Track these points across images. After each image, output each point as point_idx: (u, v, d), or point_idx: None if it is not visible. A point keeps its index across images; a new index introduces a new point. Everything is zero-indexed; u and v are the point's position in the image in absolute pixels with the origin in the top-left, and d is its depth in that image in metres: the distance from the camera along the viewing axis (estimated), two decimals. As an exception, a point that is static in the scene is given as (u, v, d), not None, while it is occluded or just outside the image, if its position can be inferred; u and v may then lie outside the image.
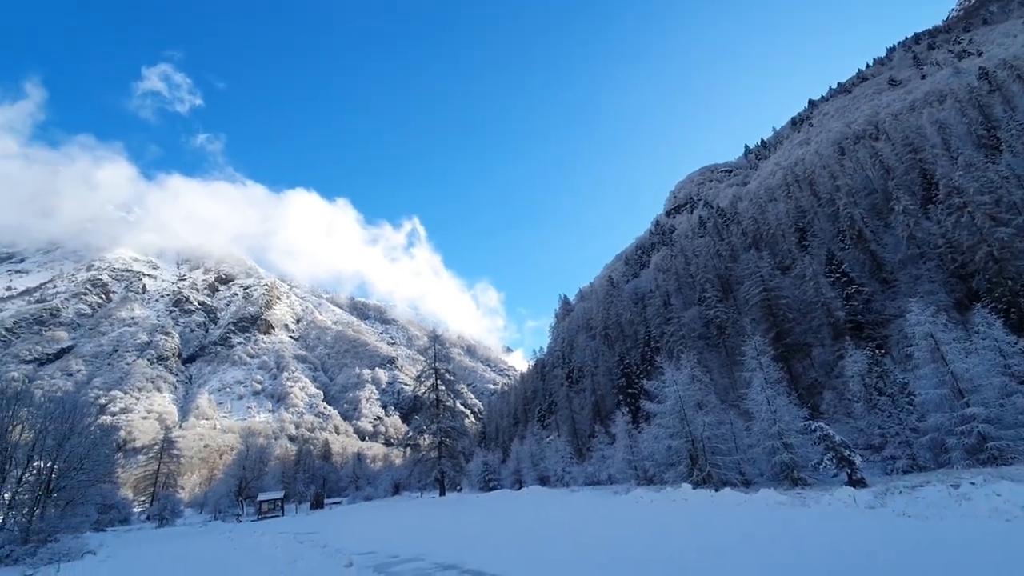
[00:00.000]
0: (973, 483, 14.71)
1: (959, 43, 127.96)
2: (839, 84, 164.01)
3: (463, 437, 59.71)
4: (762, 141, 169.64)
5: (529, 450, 53.87)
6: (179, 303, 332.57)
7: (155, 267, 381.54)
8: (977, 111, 58.22)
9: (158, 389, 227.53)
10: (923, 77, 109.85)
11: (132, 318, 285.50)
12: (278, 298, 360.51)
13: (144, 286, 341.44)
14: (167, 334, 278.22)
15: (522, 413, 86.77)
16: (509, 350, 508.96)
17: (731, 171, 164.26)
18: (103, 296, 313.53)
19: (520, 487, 49.05)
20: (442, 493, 52.73)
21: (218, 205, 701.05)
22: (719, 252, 66.29)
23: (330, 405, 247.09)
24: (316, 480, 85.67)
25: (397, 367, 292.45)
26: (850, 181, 56.57)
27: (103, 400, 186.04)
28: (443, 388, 56.71)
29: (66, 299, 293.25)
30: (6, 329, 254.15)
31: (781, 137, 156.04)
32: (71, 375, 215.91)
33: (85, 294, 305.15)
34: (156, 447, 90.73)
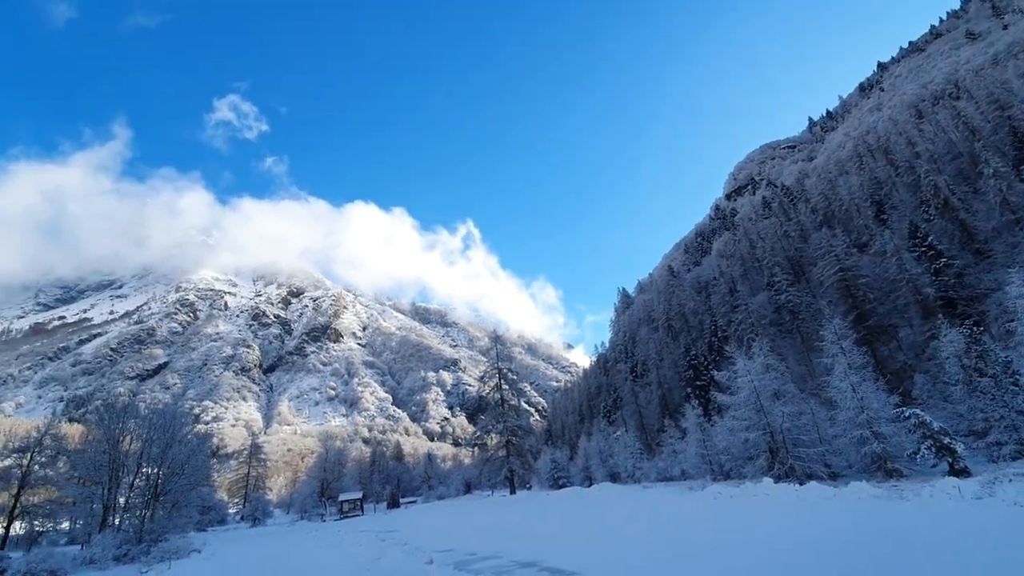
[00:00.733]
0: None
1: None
2: (910, 43, 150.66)
3: (529, 435, 60.00)
4: (828, 112, 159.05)
5: (597, 447, 53.30)
6: (257, 317, 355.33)
7: (234, 285, 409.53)
8: (1081, 54, 51.76)
9: (244, 398, 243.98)
10: (1005, 27, 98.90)
11: (217, 333, 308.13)
12: (345, 307, 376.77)
13: (226, 303, 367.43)
14: (248, 347, 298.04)
15: (587, 409, 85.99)
16: (570, 347, 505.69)
17: (794, 147, 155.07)
18: (191, 314, 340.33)
19: (590, 484, 48.62)
20: (512, 491, 53.19)
21: (286, 223, 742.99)
22: (787, 233, 62.76)
23: (399, 408, 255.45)
24: (391, 480, 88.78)
25: (460, 369, 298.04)
26: (931, 146, 51.89)
27: (197, 410, 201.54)
28: (506, 387, 57.22)
29: (160, 319, 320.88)
30: (111, 349, 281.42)
31: (849, 105, 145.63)
32: (168, 388, 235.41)
33: (175, 313, 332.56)
34: (245, 452, 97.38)
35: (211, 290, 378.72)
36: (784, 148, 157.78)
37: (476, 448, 68.38)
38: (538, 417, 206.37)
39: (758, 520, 15.48)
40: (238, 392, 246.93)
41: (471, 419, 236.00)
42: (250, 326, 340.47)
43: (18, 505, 36.26)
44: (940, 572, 7.70)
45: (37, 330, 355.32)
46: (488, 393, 58.78)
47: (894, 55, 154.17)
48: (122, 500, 36.98)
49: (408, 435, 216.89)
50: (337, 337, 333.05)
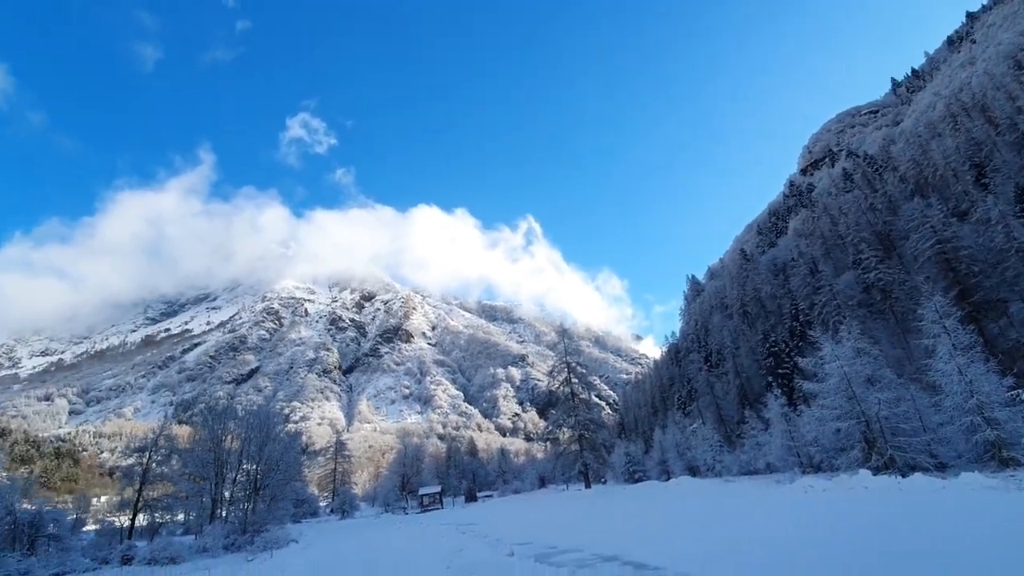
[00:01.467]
0: None
1: None
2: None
3: (602, 429, 59.43)
4: (913, 71, 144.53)
5: (673, 439, 51.90)
6: (334, 322, 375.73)
7: (312, 292, 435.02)
8: None
9: (327, 398, 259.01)
10: None
11: (300, 338, 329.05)
12: (414, 309, 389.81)
13: (306, 310, 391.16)
14: (328, 350, 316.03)
15: (660, 402, 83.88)
16: (639, 338, 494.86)
17: (876, 112, 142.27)
18: (276, 322, 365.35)
19: (667, 478, 47.44)
20: (587, 485, 52.94)
21: (355, 230, 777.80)
22: (872, 206, 57.85)
23: (470, 405, 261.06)
24: (466, 475, 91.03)
25: (528, 364, 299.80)
26: (1041, 97, 45.95)
27: (286, 411, 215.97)
28: (576, 381, 56.94)
29: (250, 327, 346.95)
30: (210, 356, 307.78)
31: (936, 62, 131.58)
32: (260, 391, 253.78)
33: (263, 321, 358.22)
34: (330, 449, 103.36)
35: (292, 298, 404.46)
36: (865, 114, 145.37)
37: (548, 443, 68.58)
38: (609, 411, 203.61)
39: (855, 513, 14.47)
40: (321, 393, 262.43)
41: (542, 414, 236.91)
42: (328, 330, 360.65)
43: (141, 499, 40.61)
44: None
45: (148, 342, 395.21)
46: (557, 388, 58.78)
47: (984, 3, 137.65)
48: (227, 494, 40.44)
49: (481, 431, 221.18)
50: (408, 338, 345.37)
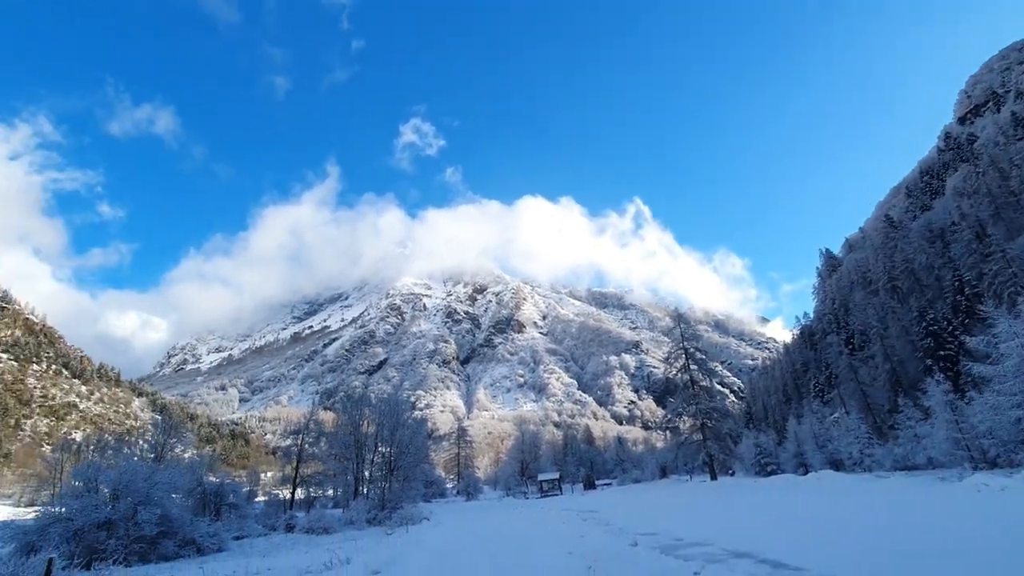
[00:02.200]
0: None
1: None
2: None
3: (727, 418, 56.03)
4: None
5: (811, 430, 47.38)
6: (450, 315, 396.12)
7: (429, 288, 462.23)
8: None
9: (447, 387, 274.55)
10: None
11: (420, 332, 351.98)
12: (524, 299, 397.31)
13: (424, 305, 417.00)
14: (446, 342, 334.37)
15: (793, 389, 76.97)
16: (765, 320, 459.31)
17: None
18: (399, 317, 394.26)
19: (805, 472, 43.46)
20: (713, 477, 50.37)
21: (465, 226, 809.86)
22: (1063, 151, 47.48)
23: (584, 393, 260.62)
24: (584, 462, 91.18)
25: (642, 351, 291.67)
26: None
27: (412, 399, 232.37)
28: (695, 368, 54.20)
29: (377, 322, 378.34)
30: (346, 350, 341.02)
31: None
32: (389, 380, 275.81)
33: (387, 317, 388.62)
34: (453, 435, 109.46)
35: (412, 294, 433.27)
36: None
37: (668, 432, 66.17)
38: (734, 398, 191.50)
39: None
40: (442, 382, 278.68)
41: (659, 402, 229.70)
42: (445, 323, 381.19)
43: (298, 475, 46.39)
44: None
45: (295, 338, 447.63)
46: (675, 375, 56.41)
47: None
48: (367, 473, 44.65)
49: (596, 419, 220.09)
50: (520, 328, 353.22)
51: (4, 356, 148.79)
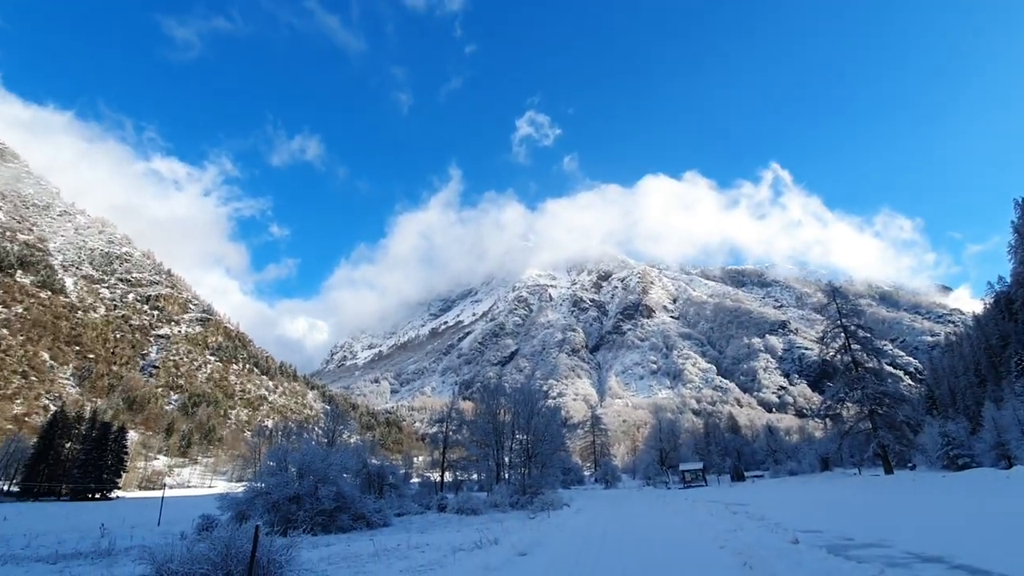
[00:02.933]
0: None
1: None
2: None
3: (902, 404, 48.59)
4: None
5: (1014, 416, 39.37)
6: (576, 303, 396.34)
7: (553, 278, 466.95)
8: None
9: (578, 376, 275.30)
10: None
11: (548, 322, 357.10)
12: (651, 283, 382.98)
13: (550, 295, 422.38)
14: (574, 330, 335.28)
15: (988, 368, 64.38)
16: (946, 289, 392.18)
17: None
18: (526, 308, 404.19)
19: (1008, 465, 36.15)
20: (888, 471, 44.08)
21: (585, 214, 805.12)
22: None
23: (725, 378, 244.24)
24: (729, 453, 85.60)
25: (791, 331, 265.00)
26: None
27: (544, 388, 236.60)
28: (857, 348, 47.73)
29: (505, 315, 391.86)
30: (479, 343, 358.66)
31: None
32: (521, 371, 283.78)
33: (515, 309, 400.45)
34: (587, 423, 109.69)
35: (537, 285, 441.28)
36: None
37: (828, 420, 59.28)
38: (910, 381, 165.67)
39: None
40: (572, 371, 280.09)
41: (814, 387, 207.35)
42: (572, 312, 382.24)
43: (444, 460, 50.00)
44: None
45: (433, 334, 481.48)
46: (832, 356, 50.19)
47: None
48: (507, 459, 46.67)
49: (740, 406, 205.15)
50: (649, 313, 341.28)
51: (212, 359, 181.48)
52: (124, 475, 79.96)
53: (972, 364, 69.15)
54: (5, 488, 69.19)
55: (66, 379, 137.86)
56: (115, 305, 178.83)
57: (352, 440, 55.33)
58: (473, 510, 32.54)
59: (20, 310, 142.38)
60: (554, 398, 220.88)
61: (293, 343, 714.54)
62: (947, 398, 72.55)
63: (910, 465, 50.82)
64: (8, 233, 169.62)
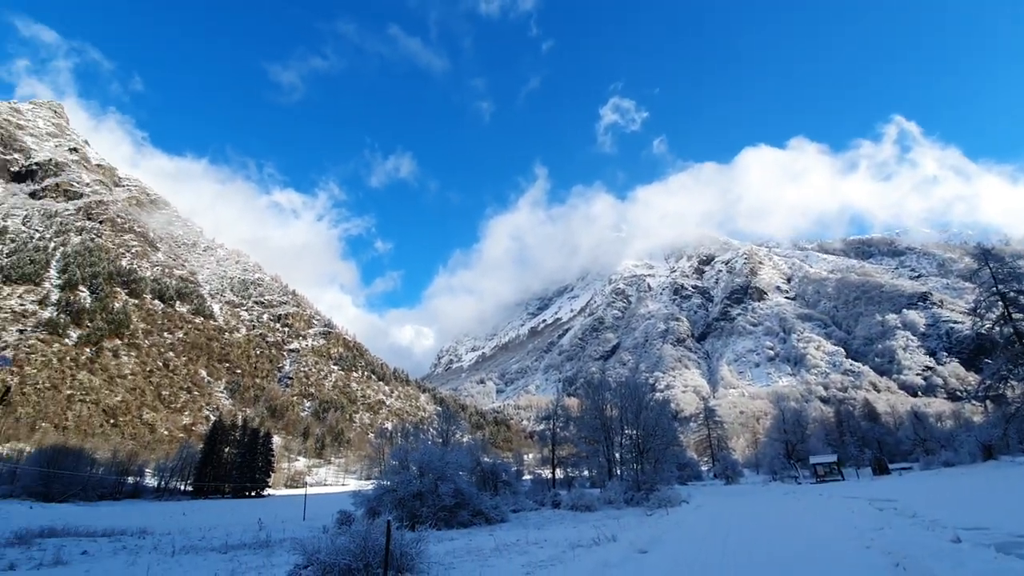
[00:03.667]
0: None
1: None
2: None
3: (1087, 379, 40.75)
4: None
5: None
6: (677, 291, 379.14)
7: (650, 267, 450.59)
8: None
9: (685, 367, 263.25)
10: None
11: (648, 312, 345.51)
12: (760, 263, 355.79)
13: (648, 285, 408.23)
14: (677, 320, 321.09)
15: None
16: None
17: None
18: (625, 300, 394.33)
19: None
20: (1077, 459, 37.20)
21: (678, 197, 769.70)
22: None
23: (856, 361, 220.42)
24: (868, 443, 76.99)
25: (934, 303, 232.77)
26: None
27: (650, 380, 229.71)
28: (1019, 317, 40.82)
29: (604, 309, 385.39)
30: (579, 339, 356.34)
31: None
32: (624, 364, 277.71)
33: (614, 302, 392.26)
34: (700, 415, 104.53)
35: (634, 276, 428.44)
36: None
37: (988, 402, 51.29)
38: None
39: None
40: (679, 361, 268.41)
41: (969, 364, 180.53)
42: (673, 300, 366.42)
43: (554, 457, 50.32)
44: None
45: (533, 333, 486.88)
46: (989, 328, 43.31)
47: None
48: (617, 455, 45.89)
49: (878, 391, 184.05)
50: (760, 295, 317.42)
51: (335, 368, 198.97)
52: (272, 475, 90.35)
53: None
54: (182, 487, 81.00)
55: (220, 392, 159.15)
56: (253, 325, 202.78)
57: (464, 439, 57.66)
58: (587, 507, 32.42)
59: (181, 335, 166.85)
60: (661, 391, 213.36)
61: (403, 350, 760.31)
62: None
63: (1110, 453, 42.46)
64: (167, 270, 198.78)
